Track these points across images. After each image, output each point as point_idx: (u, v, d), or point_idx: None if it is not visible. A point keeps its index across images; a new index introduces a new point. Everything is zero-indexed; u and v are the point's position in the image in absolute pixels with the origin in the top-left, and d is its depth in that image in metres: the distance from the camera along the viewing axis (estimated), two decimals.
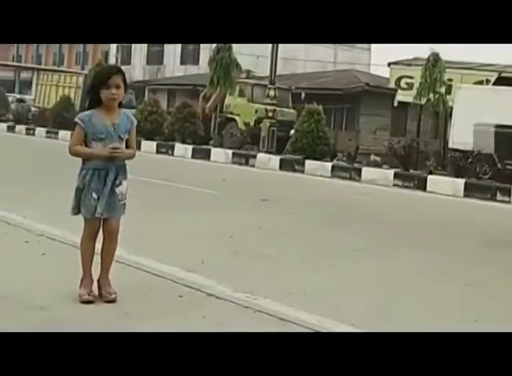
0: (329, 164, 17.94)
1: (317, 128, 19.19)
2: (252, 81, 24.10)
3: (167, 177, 13.06)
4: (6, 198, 8.40)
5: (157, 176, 12.80)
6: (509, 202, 14.27)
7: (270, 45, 22.07)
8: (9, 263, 5.37)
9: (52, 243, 6.13)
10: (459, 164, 18.27)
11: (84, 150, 4.43)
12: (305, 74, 32.09)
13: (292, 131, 20.03)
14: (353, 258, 6.79)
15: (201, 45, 34.56)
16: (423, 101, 19.80)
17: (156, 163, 17.23)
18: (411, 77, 22.91)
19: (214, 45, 22.95)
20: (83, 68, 42.59)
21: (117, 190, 4.44)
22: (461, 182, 15.44)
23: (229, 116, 23.14)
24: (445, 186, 15.40)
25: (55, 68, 41.01)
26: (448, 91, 20.00)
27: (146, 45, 39.05)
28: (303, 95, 24.91)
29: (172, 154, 20.95)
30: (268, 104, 21.08)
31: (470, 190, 14.97)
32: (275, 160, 18.77)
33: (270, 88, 21.19)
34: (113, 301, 4.44)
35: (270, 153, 20.00)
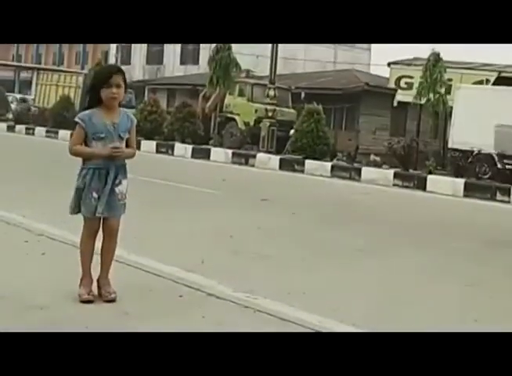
0: (328, 164, 17.94)
1: (317, 128, 19.19)
2: (252, 81, 24.09)
3: (166, 177, 13.06)
4: (6, 198, 8.40)
5: (157, 176, 12.80)
6: (508, 202, 14.27)
7: (270, 45, 22.06)
8: (9, 263, 5.37)
9: (51, 242, 6.13)
10: (458, 163, 18.28)
11: (85, 149, 4.42)
12: (305, 73, 32.10)
13: (292, 131, 20.04)
14: (353, 257, 6.79)
15: (201, 44, 34.56)
16: (423, 101, 19.81)
17: (155, 162, 17.22)
18: (411, 77, 22.93)
19: (214, 45, 22.95)
20: (83, 68, 42.59)
21: (117, 190, 4.44)
22: (461, 181, 15.44)
23: (229, 116, 23.14)
24: (444, 185, 15.40)
25: (55, 68, 41.00)
26: (448, 91, 20.00)
27: (146, 45, 39.06)
28: (303, 94, 24.92)
29: (172, 154, 20.95)
30: (268, 104, 21.08)
31: (469, 190, 14.97)
32: (274, 159, 18.77)
33: (270, 88, 21.19)
34: (112, 300, 4.44)
35: (270, 152, 20.00)
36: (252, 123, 22.58)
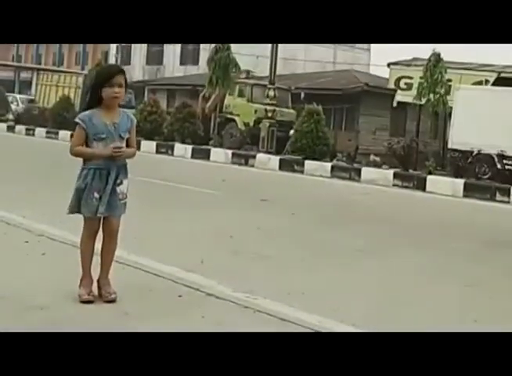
0: (328, 165, 17.94)
1: (316, 129, 19.20)
2: (251, 81, 24.09)
3: (166, 177, 13.06)
4: (6, 198, 8.40)
5: (157, 176, 12.80)
6: (508, 202, 14.28)
7: (270, 45, 22.07)
8: (9, 263, 5.37)
9: (52, 243, 6.13)
10: (458, 164, 18.29)
11: (86, 150, 4.42)
12: (305, 74, 32.10)
13: (291, 132, 20.05)
14: (353, 258, 6.79)
15: (201, 45, 34.56)
16: (423, 101, 19.81)
17: (155, 163, 17.23)
18: (410, 78, 22.94)
19: (213, 46, 22.95)
20: (83, 68, 42.59)
21: (118, 189, 4.44)
22: (460, 182, 15.45)
23: (229, 116, 23.14)
24: (444, 186, 15.41)
25: (55, 68, 41.01)
26: (447, 91, 20.01)
27: (146, 45, 39.07)
28: (302, 95, 24.91)
29: (172, 154, 20.95)
30: (268, 104, 21.09)
31: (469, 190, 14.98)
32: (274, 160, 18.77)
33: (270, 89, 21.20)
34: (112, 301, 4.44)
35: (270, 153, 20.00)
36: (252, 123, 22.58)
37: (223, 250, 6.54)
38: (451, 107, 19.36)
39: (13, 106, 31.29)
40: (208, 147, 21.06)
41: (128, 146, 4.53)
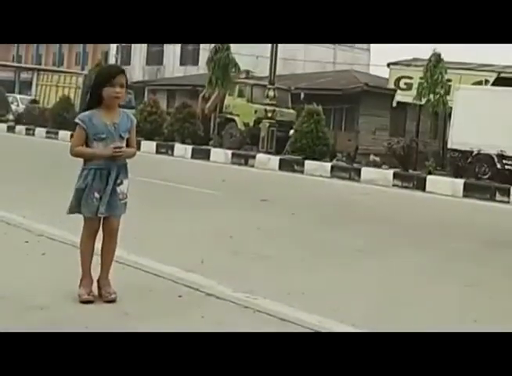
0: (328, 165, 17.95)
1: (316, 129, 19.20)
2: (251, 82, 24.10)
3: (166, 177, 13.06)
4: (6, 198, 8.40)
5: (157, 176, 12.81)
6: (508, 202, 14.28)
7: (269, 45, 22.06)
8: (9, 263, 5.37)
9: (51, 243, 6.13)
10: (458, 164, 18.29)
11: (86, 150, 4.42)
12: (305, 74, 32.11)
13: (291, 132, 20.05)
14: (353, 258, 6.79)
15: (201, 45, 34.56)
16: (423, 101, 19.82)
17: (155, 163, 17.23)
18: (410, 78, 22.95)
19: (213, 46, 22.95)
20: (83, 68, 42.61)
21: (119, 189, 4.45)
22: (460, 182, 15.45)
23: (229, 116, 23.14)
24: (444, 186, 15.41)
25: (55, 68, 41.02)
26: (447, 91, 20.01)
27: (146, 45, 39.08)
28: (302, 95, 24.92)
29: (172, 154, 20.95)
30: (268, 104, 21.09)
31: (469, 190, 14.98)
32: (274, 160, 18.77)
33: (269, 89, 21.20)
34: (112, 301, 4.44)
35: (269, 153, 20.01)
36: (252, 123, 22.58)
37: (223, 250, 6.54)
38: (451, 107, 19.37)
39: (13, 107, 31.29)
40: (208, 147, 21.06)
41: (128, 146, 4.53)
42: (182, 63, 38.18)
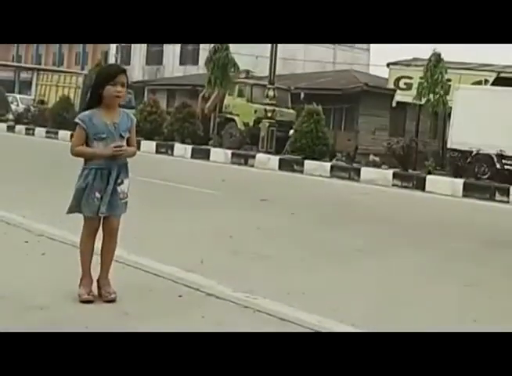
0: (328, 164, 17.95)
1: (316, 129, 19.20)
2: (251, 81, 24.09)
3: (166, 177, 13.06)
4: (6, 198, 8.40)
5: (157, 176, 12.81)
6: (507, 202, 14.28)
7: (269, 45, 22.06)
8: (9, 263, 5.37)
9: (51, 243, 6.13)
10: (457, 164, 18.28)
11: (87, 150, 4.43)
12: (304, 74, 32.11)
13: (291, 132, 20.05)
14: (352, 258, 6.79)
15: (200, 45, 34.56)
16: (423, 101, 19.81)
17: (155, 163, 17.23)
18: (410, 78, 22.95)
19: (212, 46, 22.95)
20: (83, 68, 42.61)
21: (119, 189, 4.45)
22: (460, 182, 15.46)
23: (228, 116, 23.14)
24: (443, 186, 15.41)
25: (55, 68, 41.02)
26: (447, 91, 20.01)
27: (146, 45, 39.08)
28: (302, 95, 24.92)
29: (172, 154, 20.96)
30: (268, 104, 21.09)
31: (468, 190, 14.98)
32: (274, 160, 18.78)
33: (269, 89, 21.20)
34: (112, 300, 4.44)
35: (269, 153, 20.01)
36: (251, 123, 22.58)
37: (223, 250, 6.54)
38: (450, 107, 19.37)
39: (13, 107, 31.29)
40: (208, 147, 21.06)
41: (128, 145, 4.53)
42: (181, 63, 38.19)
